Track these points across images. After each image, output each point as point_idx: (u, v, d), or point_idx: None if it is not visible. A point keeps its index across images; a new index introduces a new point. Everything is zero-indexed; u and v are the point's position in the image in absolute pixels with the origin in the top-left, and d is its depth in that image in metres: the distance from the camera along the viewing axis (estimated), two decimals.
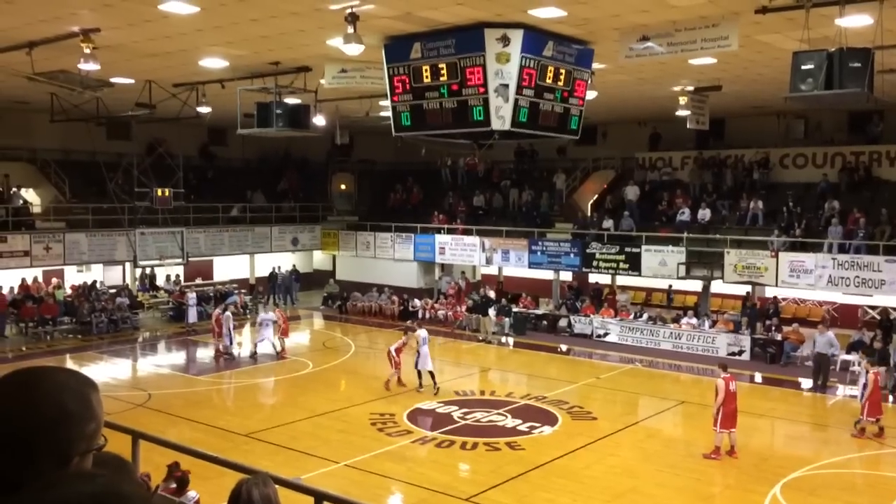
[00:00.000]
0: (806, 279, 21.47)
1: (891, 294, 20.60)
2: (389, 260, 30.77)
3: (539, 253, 26.76)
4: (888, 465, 13.48)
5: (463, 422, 15.61)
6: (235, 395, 18.17)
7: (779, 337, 21.60)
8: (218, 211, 30.01)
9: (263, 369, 20.68)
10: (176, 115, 20.54)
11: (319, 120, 19.77)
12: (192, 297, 26.06)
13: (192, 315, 25.72)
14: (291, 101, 18.06)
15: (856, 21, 11.46)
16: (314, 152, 33.93)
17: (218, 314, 21.89)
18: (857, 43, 10.89)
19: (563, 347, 23.82)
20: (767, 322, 22.34)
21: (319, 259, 35.11)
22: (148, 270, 28.69)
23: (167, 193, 26.25)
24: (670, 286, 26.50)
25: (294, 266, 32.55)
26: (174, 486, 8.75)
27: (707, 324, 22.98)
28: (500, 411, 16.34)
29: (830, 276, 20.99)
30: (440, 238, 29.34)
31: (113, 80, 18.07)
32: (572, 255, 26.01)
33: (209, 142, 32.04)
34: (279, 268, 31.78)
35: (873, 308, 22.65)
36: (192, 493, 8.92)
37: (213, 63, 16.65)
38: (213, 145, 32.28)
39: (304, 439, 14.35)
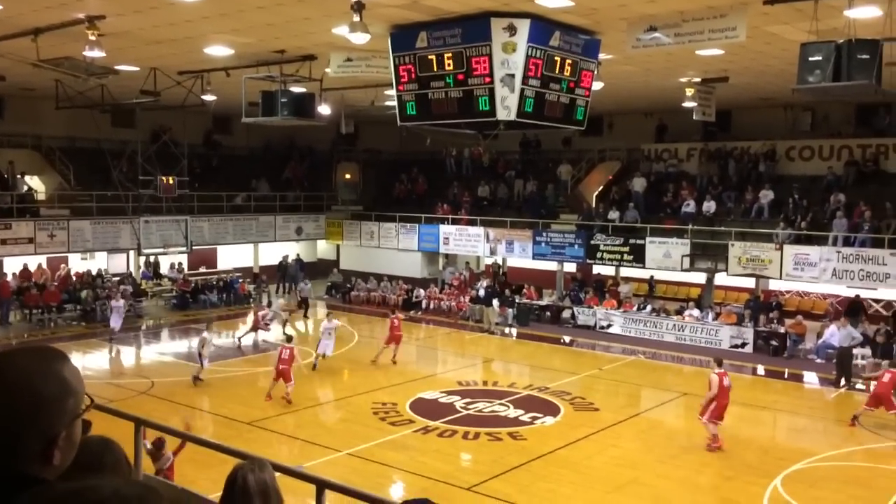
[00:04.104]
0: (810, 272, 21.42)
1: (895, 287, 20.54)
2: (394, 250, 30.78)
3: (543, 244, 26.73)
4: (890, 458, 13.46)
5: (465, 412, 15.64)
6: (239, 383, 18.18)
7: (782, 329, 21.57)
8: (222, 199, 30.02)
9: (267, 358, 20.71)
10: (181, 103, 20.53)
11: (324, 109, 19.73)
12: (115, 304, 22.29)
13: (116, 320, 21.88)
14: (296, 89, 18.02)
15: (864, 12, 11.39)
16: (319, 141, 33.89)
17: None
18: (866, 34, 10.81)
19: (567, 338, 23.82)
20: (770, 315, 22.29)
21: (323, 248, 35.13)
22: (152, 258, 28.74)
23: (171, 181, 26.26)
24: (651, 276, 26.51)
25: (298, 255, 32.58)
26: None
27: (710, 316, 22.96)
28: (503, 401, 16.36)
29: (835, 269, 20.93)
30: (444, 228, 29.32)
31: (118, 67, 18.05)
32: (576, 247, 25.98)
33: (214, 130, 32.03)
34: (286, 256, 31.86)
35: (877, 301, 22.60)
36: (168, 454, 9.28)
37: (219, 51, 16.62)
38: (218, 133, 32.27)
39: (307, 428, 14.40)
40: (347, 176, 35.18)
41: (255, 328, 22.30)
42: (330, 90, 19.80)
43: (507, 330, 24.84)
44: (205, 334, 17.85)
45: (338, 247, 33.98)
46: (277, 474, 3.84)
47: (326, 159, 35.03)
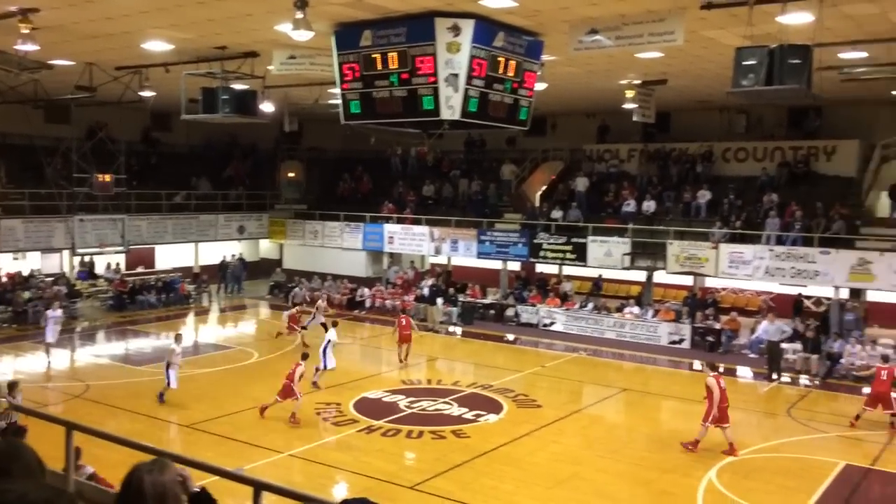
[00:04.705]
0: (744, 270, 22.08)
1: (825, 284, 21.31)
2: (338, 249, 30.62)
3: (487, 243, 26.92)
4: (818, 449, 13.98)
5: (409, 411, 15.66)
6: (178, 385, 17.81)
7: (717, 326, 22.19)
8: (161, 198, 29.39)
9: (207, 359, 20.39)
10: (118, 99, 20.03)
11: (267, 106, 19.49)
12: (51, 314, 19.89)
13: (51, 334, 19.52)
14: (238, 86, 17.74)
15: (796, 18, 11.77)
16: (262, 139, 33.45)
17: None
18: (798, 40, 11.18)
19: (510, 336, 24.05)
20: (706, 311, 22.91)
21: (266, 248, 34.72)
22: (87, 258, 27.95)
23: (108, 179, 25.58)
24: (600, 275, 26.98)
25: (241, 255, 32.13)
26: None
27: (650, 313, 23.47)
28: (447, 400, 16.44)
29: (767, 267, 21.61)
30: (389, 227, 29.28)
31: (52, 61, 17.50)
32: (520, 246, 26.24)
33: (152, 127, 31.28)
34: (233, 256, 31.35)
35: (808, 298, 23.39)
36: (88, 468, 8.86)
37: (158, 46, 16.26)
38: (157, 130, 31.55)
39: (249, 429, 14.21)
40: (291, 174, 34.82)
41: (291, 328, 21.83)
42: (273, 88, 19.57)
43: (451, 328, 24.94)
44: (173, 346, 16.24)
45: (281, 246, 33.63)
46: (214, 478, 3.81)
47: (270, 157, 34.60)
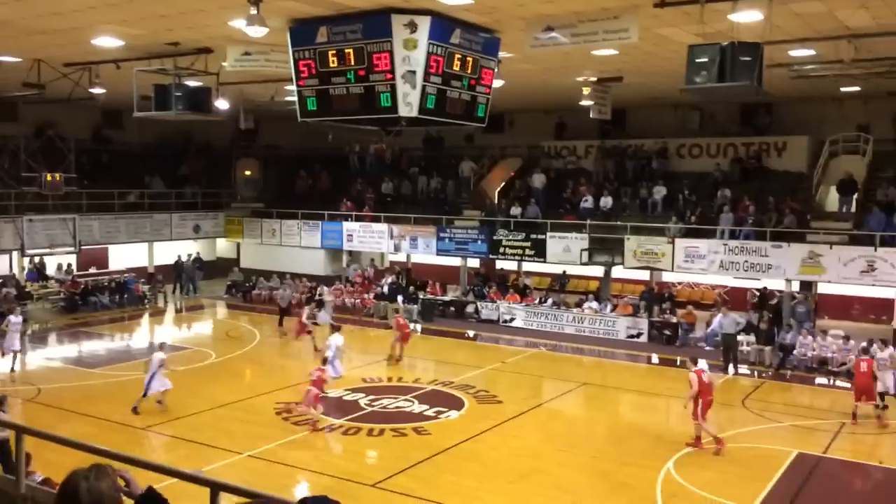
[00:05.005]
0: (700, 264, 22.47)
1: (777, 278, 21.81)
2: (296, 247, 30.36)
3: (447, 240, 26.95)
4: (772, 439, 14.30)
5: (370, 409, 15.61)
6: (132, 387, 17.45)
7: (674, 319, 22.55)
8: (114, 197, 28.80)
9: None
10: (67, 96, 19.55)
11: (222, 103, 19.20)
12: (13, 319, 18.67)
13: (11, 341, 18.34)
14: (192, 83, 17.45)
15: (747, 16, 12.00)
16: (218, 136, 32.97)
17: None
18: (749, 38, 11.39)
19: (470, 333, 24.11)
20: (663, 305, 23.26)
21: (223, 247, 34.27)
22: (37, 259, 27.27)
23: (57, 178, 24.99)
24: (564, 271, 27.20)
25: (198, 254, 31.63)
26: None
27: (608, 308, 23.74)
28: (408, 397, 16.42)
29: (722, 261, 22.03)
30: (348, 225, 29.13)
31: None
32: (480, 242, 26.33)
33: (104, 124, 30.64)
34: (190, 256, 30.85)
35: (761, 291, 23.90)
36: (38, 475, 8.62)
37: (108, 42, 15.89)
38: (108, 128, 30.89)
39: (206, 431, 14.01)
40: (248, 172, 34.40)
41: (300, 332, 20.99)
42: (227, 84, 19.28)
43: (411, 326, 24.87)
44: (159, 354, 15.21)
45: (238, 245, 33.21)
46: (172, 480, 3.74)
47: (225, 155, 34.13)
